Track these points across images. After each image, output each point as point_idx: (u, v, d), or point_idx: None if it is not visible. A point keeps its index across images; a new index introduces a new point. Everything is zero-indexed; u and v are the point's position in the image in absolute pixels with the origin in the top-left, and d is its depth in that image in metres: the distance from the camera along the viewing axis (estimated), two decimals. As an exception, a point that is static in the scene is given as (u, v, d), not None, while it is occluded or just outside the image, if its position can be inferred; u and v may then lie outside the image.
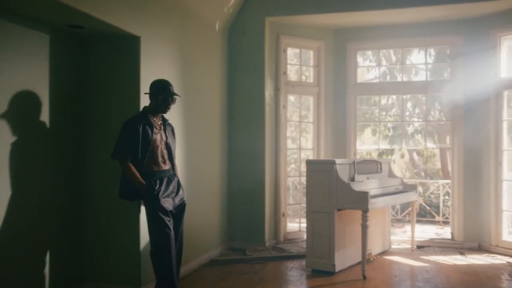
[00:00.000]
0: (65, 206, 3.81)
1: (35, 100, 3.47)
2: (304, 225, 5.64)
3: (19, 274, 3.32)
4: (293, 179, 7.35)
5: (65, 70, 3.79)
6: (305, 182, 5.04)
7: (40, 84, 3.52)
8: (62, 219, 3.76)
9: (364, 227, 4.38)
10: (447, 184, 7.66)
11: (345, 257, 4.70)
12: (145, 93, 3.65)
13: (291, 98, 7.44)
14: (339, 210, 4.53)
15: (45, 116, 3.56)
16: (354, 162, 4.84)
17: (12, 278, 3.26)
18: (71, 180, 3.87)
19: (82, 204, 3.96)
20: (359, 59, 7.16)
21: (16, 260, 3.29)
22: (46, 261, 3.57)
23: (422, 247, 5.81)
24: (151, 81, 3.67)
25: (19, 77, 3.31)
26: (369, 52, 9.88)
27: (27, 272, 3.41)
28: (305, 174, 4.92)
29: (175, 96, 3.62)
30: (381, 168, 5.37)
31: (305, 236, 5.45)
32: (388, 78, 10.30)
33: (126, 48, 3.86)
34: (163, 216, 3.43)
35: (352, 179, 4.74)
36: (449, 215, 6.88)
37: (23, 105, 3.37)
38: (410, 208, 5.81)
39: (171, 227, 3.48)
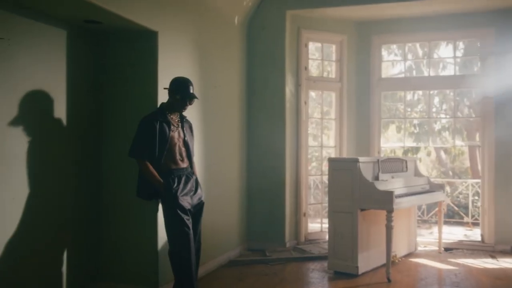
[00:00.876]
0: (82, 205, 3.87)
1: (52, 97, 3.53)
2: (325, 225, 5.60)
3: (37, 272, 3.39)
4: (315, 177, 7.31)
5: (82, 66, 3.84)
6: (326, 181, 5.01)
7: (57, 80, 3.58)
8: (79, 218, 3.82)
9: (389, 228, 4.33)
10: (476, 183, 7.51)
11: (368, 259, 4.66)
12: (165, 88, 3.67)
13: (312, 94, 7.40)
14: (362, 210, 4.49)
15: (61, 113, 3.62)
16: (378, 160, 4.79)
17: (30, 276, 3.33)
18: (88, 178, 3.93)
19: (99, 203, 4.01)
20: (384, 53, 7.07)
21: (34, 258, 3.36)
22: (64, 260, 3.64)
23: (450, 249, 5.72)
24: (168, 77, 3.69)
25: (36, 74, 3.37)
26: (394, 46, 9.74)
27: (45, 270, 3.48)
28: (326, 172, 4.89)
29: (193, 99, 3.64)
30: (406, 167, 5.30)
31: (327, 237, 5.45)
32: (414, 72, 10.15)
33: (144, 44, 3.89)
34: (182, 215, 3.45)
35: (376, 178, 4.69)
36: (478, 216, 6.74)
37: (40, 103, 3.44)
38: (437, 209, 5.72)
39: (190, 226, 3.50)
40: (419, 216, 7.36)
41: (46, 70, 3.47)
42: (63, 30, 3.61)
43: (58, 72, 3.60)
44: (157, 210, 3.80)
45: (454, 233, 6.74)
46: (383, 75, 6.46)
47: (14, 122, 3.18)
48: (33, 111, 3.34)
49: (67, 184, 3.69)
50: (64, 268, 3.63)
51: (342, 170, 4.58)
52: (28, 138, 3.29)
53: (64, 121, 3.65)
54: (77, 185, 3.80)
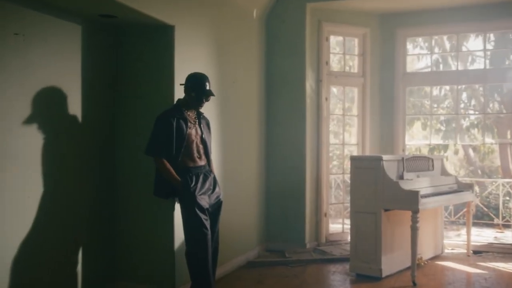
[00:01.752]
0: (97, 204, 3.91)
1: (67, 93, 3.57)
2: (347, 226, 5.53)
3: (52, 271, 3.44)
4: (336, 176, 7.29)
5: (96, 61, 3.88)
6: (348, 180, 4.98)
7: (71, 76, 3.62)
8: (94, 217, 3.87)
9: (414, 229, 4.28)
10: (507, 183, 7.36)
11: (392, 261, 4.61)
12: (181, 84, 3.68)
13: (334, 89, 7.35)
14: (386, 210, 4.45)
15: (76, 110, 3.66)
16: (403, 158, 4.73)
17: (45, 275, 3.38)
18: (103, 177, 3.97)
19: (114, 202, 4.05)
20: (409, 47, 6.99)
21: (49, 257, 3.41)
22: (79, 259, 3.68)
23: (479, 252, 5.61)
24: (185, 73, 3.70)
25: (51, 70, 3.42)
26: (420, 39, 9.59)
27: (60, 269, 3.53)
28: (348, 171, 4.86)
29: (210, 96, 3.64)
30: (432, 165, 5.22)
31: (348, 238, 5.38)
32: (441, 67, 9.98)
33: (160, 38, 3.90)
34: (199, 214, 3.46)
35: (401, 177, 4.64)
36: (510, 217, 6.61)
37: (55, 99, 3.48)
38: (465, 210, 5.63)
39: (208, 226, 3.51)
40: (446, 217, 7.23)
41: (61, 65, 3.51)
42: (77, 25, 3.65)
43: (73, 67, 3.64)
44: (174, 209, 3.81)
45: (483, 235, 6.62)
46: (408, 70, 6.39)
47: (29, 119, 3.22)
48: (47, 107, 3.38)
49: (82, 182, 3.73)
50: (79, 268, 3.68)
51: (364, 169, 4.55)
52: (42, 135, 3.33)
53: (79, 118, 3.69)
54: (91, 183, 3.84)
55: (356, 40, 6.21)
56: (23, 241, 3.18)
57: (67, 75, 3.58)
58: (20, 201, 3.16)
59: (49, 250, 3.41)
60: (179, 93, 3.79)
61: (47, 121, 3.37)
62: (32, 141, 3.26)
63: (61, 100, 3.54)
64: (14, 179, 3.12)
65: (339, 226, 6.26)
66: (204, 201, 3.56)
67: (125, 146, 4.05)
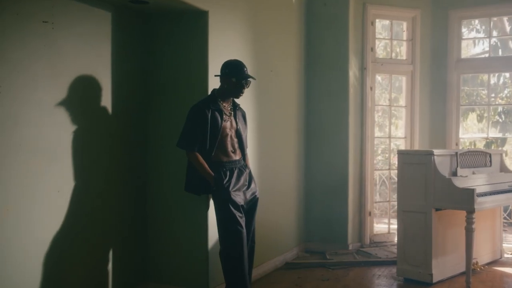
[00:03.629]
0: (128, 198, 3.99)
1: (97, 83, 3.65)
2: (394, 226, 5.52)
3: (82, 269, 3.54)
4: (381, 172, 7.20)
5: (127, 50, 3.95)
6: (395, 177, 4.92)
7: (102, 66, 3.69)
8: (125, 213, 3.95)
9: (469, 231, 4.18)
10: None
11: (444, 265, 4.52)
12: (216, 75, 3.69)
13: (379, 78, 7.25)
14: (437, 210, 4.37)
15: (107, 101, 3.74)
16: (456, 153, 4.62)
17: (76, 273, 3.48)
18: (135, 171, 4.04)
19: (145, 197, 4.13)
20: (464, 30, 6.79)
21: (79, 254, 3.51)
22: (110, 258, 3.78)
23: (542, 257, 5.44)
24: (220, 61, 3.71)
25: (80, 59, 3.49)
26: (476, 21, 9.31)
27: (90, 268, 3.63)
28: (395, 167, 4.80)
29: (249, 80, 3.63)
30: (490, 161, 5.08)
31: (395, 239, 5.37)
32: (500, 52, 9.67)
33: (193, 25, 3.93)
34: (234, 212, 3.48)
35: (454, 174, 4.54)
36: None
37: (85, 89, 3.56)
38: (527, 210, 5.44)
39: (243, 224, 3.52)
40: (505, 219, 7.03)
41: (91, 54, 3.59)
42: (107, 11, 3.72)
43: (103, 56, 3.71)
44: (207, 206, 3.85)
45: (547, 239, 6.41)
46: (463, 56, 6.24)
47: (59, 111, 3.31)
48: (77, 98, 3.47)
49: (112, 176, 3.81)
50: (110, 267, 3.77)
51: (413, 164, 4.48)
52: (73, 127, 3.42)
53: (109, 109, 3.77)
54: (122, 178, 3.91)
55: (404, 24, 6.10)
56: (53, 237, 3.28)
57: (97, 65, 3.65)
58: (51, 196, 3.26)
59: (79, 247, 3.50)
60: (213, 82, 3.81)
61: (77, 113, 3.45)
62: (62, 133, 3.35)
63: (92, 91, 3.62)
64: (44, 173, 3.21)
65: (384, 226, 6.21)
66: (239, 197, 3.57)
67: (156, 139, 4.11)
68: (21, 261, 3.06)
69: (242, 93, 3.65)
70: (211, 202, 3.74)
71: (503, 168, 5.27)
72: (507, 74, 9.65)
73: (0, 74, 2.91)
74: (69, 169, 3.41)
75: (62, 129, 3.34)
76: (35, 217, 3.14)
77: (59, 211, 3.33)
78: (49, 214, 3.26)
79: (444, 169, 4.43)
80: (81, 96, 3.51)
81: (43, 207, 3.20)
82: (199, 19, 3.89)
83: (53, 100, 3.28)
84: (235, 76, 3.56)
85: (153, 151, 4.12)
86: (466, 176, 4.54)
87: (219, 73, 3.66)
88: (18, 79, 3.02)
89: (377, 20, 5.96)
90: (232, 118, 3.69)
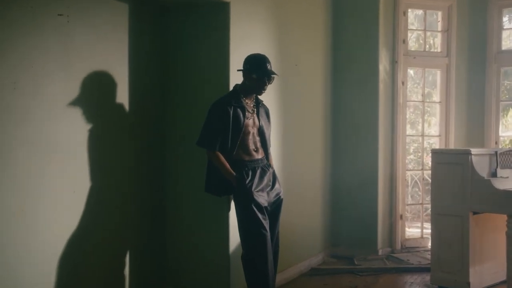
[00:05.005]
0: (145, 199, 4.01)
1: (113, 79, 3.68)
2: (427, 230, 5.47)
3: (98, 273, 3.57)
4: (413, 173, 7.12)
5: (145, 44, 3.97)
6: (428, 177, 4.86)
7: (118, 60, 3.72)
8: (143, 215, 3.97)
9: (510, 237, 4.09)
10: None
11: (482, 274, 4.43)
12: (238, 70, 3.68)
13: (411, 72, 7.16)
14: (475, 213, 4.29)
15: (123, 97, 3.76)
16: (496, 152, 4.53)
17: (91, 277, 3.51)
18: (153, 171, 4.07)
19: (163, 198, 4.14)
20: (505, 20, 6.66)
21: (94, 258, 3.54)
22: (126, 262, 3.80)
23: None
24: (242, 55, 3.70)
25: (96, 53, 3.52)
26: (517, 10, 9.13)
27: (107, 271, 3.66)
28: (428, 167, 4.74)
29: (272, 76, 3.61)
30: (533, 161, 4.97)
31: (429, 245, 5.30)
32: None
33: (213, 17, 3.93)
34: (257, 213, 3.46)
35: (494, 175, 4.45)
36: None
37: (101, 85, 3.59)
38: None
39: (267, 226, 3.50)
40: (547, 223, 6.88)
41: (107, 48, 3.62)
42: (124, 3, 3.74)
43: (120, 50, 3.73)
44: (228, 208, 3.84)
45: None
46: (504, 47, 6.12)
47: (73, 108, 3.34)
48: (93, 95, 3.49)
49: (129, 177, 3.83)
50: (126, 271, 3.79)
51: (449, 164, 4.42)
52: (88, 125, 3.45)
53: (126, 106, 3.79)
54: (139, 178, 3.94)
55: (439, 14, 6.01)
56: (69, 240, 3.31)
57: (113, 59, 3.68)
58: (65, 197, 3.29)
59: (95, 250, 3.53)
60: (234, 78, 3.80)
61: (92, 110, 3.48)
62: (78, 131, 3.38)
63: (108, 87, 3.65)
64: (59, 173, 3.24)
65: (417, 230, 6.16)
66: (262, 198, 3.56)
67: (175, 137, 4.12)
68: (37, 263, 3.10)
69: (264, 90, 3.63)
70: (233, 204, 3.73)
71: (548, 169, 5.15)
72: (551, 67, 9.43)
73: (14, 70, 2.95)
74: (85, 169, 3.44)
75: (77, 127, 3.37)
76: (48, 219, 3.17)
77: (73, 213, 3.37)
78: (63, 217, 3.29)
79: (482, 169, 4.34)
80: (96, 93, 3.53)
81: (57, 208, 3.24)
82: (220, 10, 3.88)
83: (68, 97, 3.31)
84: (256, 72, 3.54)
85: (172, 149, 4.13)
86: (507, 177, 4.44)
87: (241, 68, 3.64)
88: (32, 75, 3.05)
89: (409, 10, 5.89)
90: (255, 115, 3.67)
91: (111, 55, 3.65)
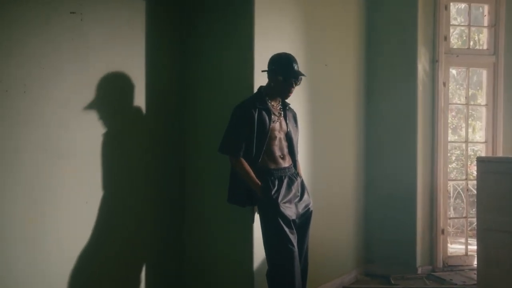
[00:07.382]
0: (164, 212, 4.05)
1: (130, 80, 3.73)
2: (472, 247, 5.40)
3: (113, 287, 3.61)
4: (456, 183, 7.05)
5: (163, 42, 4.02)
6: (473, 188, 4.81)
7: (134, 60, 3.78)
8: (160, 227, 4.01)
9: None
10: None
11: (535, 295, 4.37)
12: (263, 71, 3.69)
13: (453, 72, 7.09)
14: (526, 228, 4.24)
15: (140, 99, 3.81)
16: (549, 160, 4.48)
17: (105, 294, 3.56)
18: (171, 180, 4.10)
19: (183, 210, 4.17)
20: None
21: (108, 272, 3.58)
22: (142, 278, 3.84)
23: None
24: (267, 53, 3.71)
25: (112, 53, 3.58)
26: None
27: (121, 286, 3.70)
28: (473, 176, 4.69)
29: (300, 77, 3.61)
30: None
31: (474, 263, 5.26)
32: None
33: (236, 12, 3.96)
34: (284, 227, 3.46)
35: (548, 186, 4.39)
36: None
37: (117, 86, 3.65)
38: None
39: (294, 241, 3.49)
40: None
41: (123, 48, 3.67)
42: (141, 0, 3.79)
43: (136, 49, 3.79)
44: (253, 220, 3.85)
45: None
46: (559, 44, 6.01)
47: (87, 111, 3.40)
48: (108, 97, 3.55)
49: (147, 186, 3.88)
50: (142, 286, 3.82)
51: (496, 174, 4.42)
52: (103, 129, 3.50)
53: (143, 109, 3.83)
54: (157, 187, 3.98)
55: (485, 8, 5.95)
56: (81, 252, 3.36)
57: (130, 60, 3.73)
58: (77, 207, 3.34)
59: (109, 264, 3.58)
60: (259, 79, 3.81)
61: (108, 113, 3.53)
62: (91, 136, 3.44)
63: (124, 89, 3.70)
64: (71, 181, 3.30)
65: (461, 247, 6.09)
66: (290, 210, 3.55)
67: (195, 143, 4.15)
68: (46, 275, 3.15)
69: (291, 92, 3.63)
70: (257, 216, 3.73)
71: None
72: None
73: (24, 71, 3.02)
74: (99, 177, 3.49)
75: (90, 132, 3.43)
76: (59, 231, 3.23)
77: (86, 224, 3.42)
78: (75, 228, 3.35)
79: (534, 179, 4.30)
80: (111, 95, 3.59)
81: (69, 220, 3.29)
82: (244, 5, 3.90)
83: (81, 100, 3.37)
84: (282, 74, 3.54)
85: (192, 156, 4.16)
86: None
87: (266, 68, 3.65)
88: (43, 76, 3.12)
89: (451, 4, 5.85)
90: (282, 118, 3.68)
91: (127, 54, 3.71)
